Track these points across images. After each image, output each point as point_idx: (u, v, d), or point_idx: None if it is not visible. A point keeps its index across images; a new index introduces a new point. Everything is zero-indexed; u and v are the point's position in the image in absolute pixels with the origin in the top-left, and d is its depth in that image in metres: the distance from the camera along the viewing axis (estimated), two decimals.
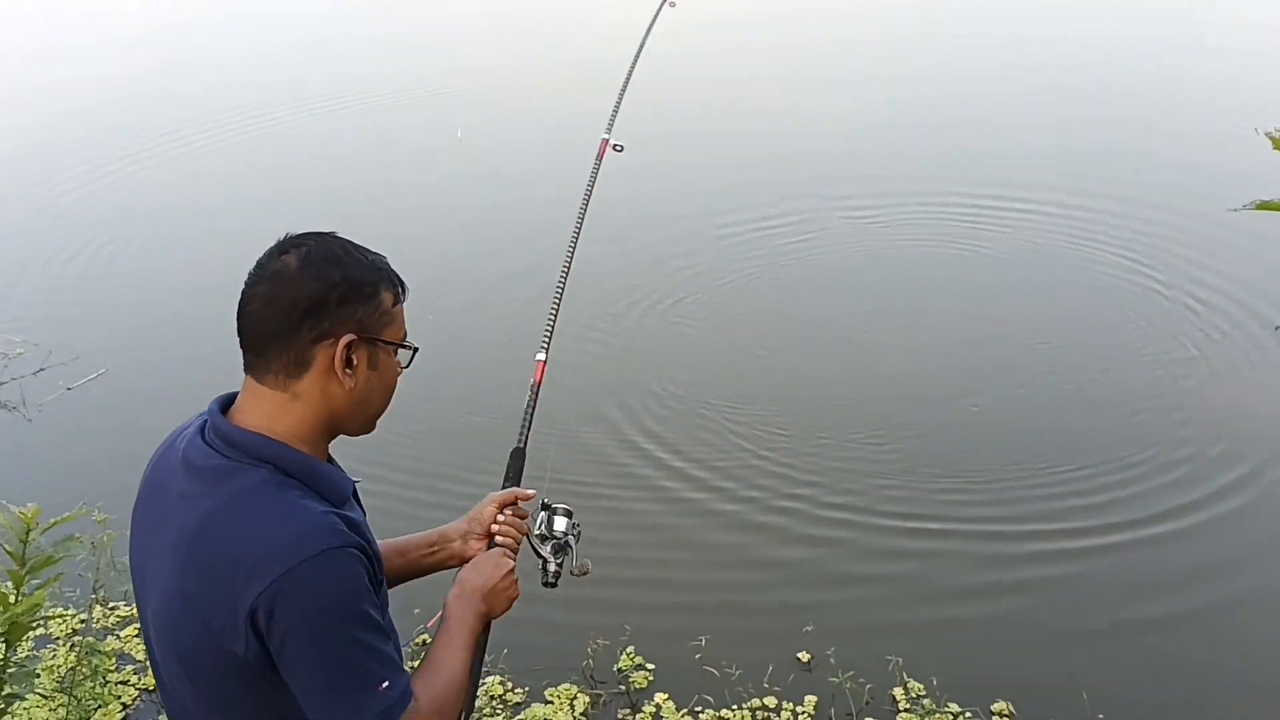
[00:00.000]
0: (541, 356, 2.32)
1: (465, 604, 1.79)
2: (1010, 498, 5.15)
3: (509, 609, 1.87)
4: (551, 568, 1.99)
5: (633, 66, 3.15)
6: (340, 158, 10.45)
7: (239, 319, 1.59)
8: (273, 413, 1.58)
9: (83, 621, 4.44)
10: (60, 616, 4.47)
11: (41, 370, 6.52)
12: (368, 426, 1.69)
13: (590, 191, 2.68)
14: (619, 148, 2.85)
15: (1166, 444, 5.46)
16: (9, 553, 3.23)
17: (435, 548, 1.94)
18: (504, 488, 2.08)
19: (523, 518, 1.99)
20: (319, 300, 1.56)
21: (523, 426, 2.20)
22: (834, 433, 5.75)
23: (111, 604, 4.55)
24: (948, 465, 5.41)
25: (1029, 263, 7.71)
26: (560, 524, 2.01)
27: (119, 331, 7.25)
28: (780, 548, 4.92)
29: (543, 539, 2.00)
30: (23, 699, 3.48)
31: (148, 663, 4.13)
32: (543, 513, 2.02)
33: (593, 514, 4.89)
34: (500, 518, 1.96)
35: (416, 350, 1.68)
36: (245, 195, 9.51)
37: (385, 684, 1.52)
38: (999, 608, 4.49)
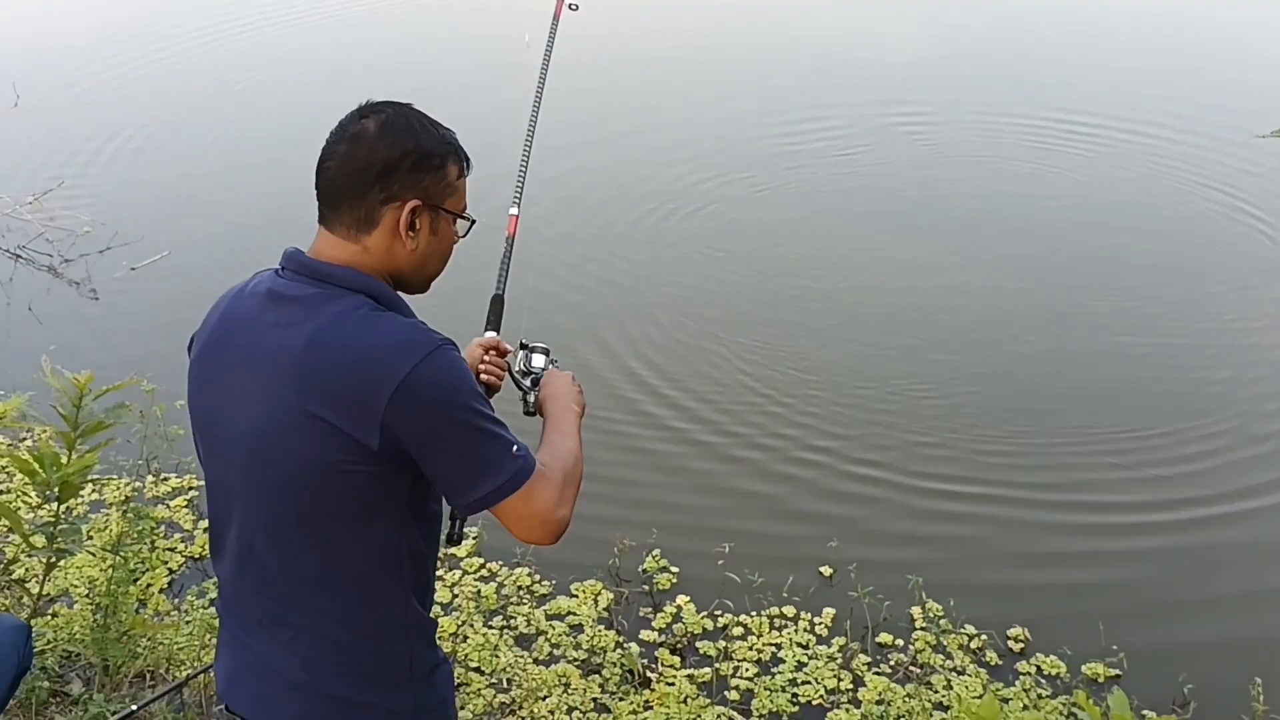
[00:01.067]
0: (514, 211, 2.51)
1: (562, 404, 2.00)
2: (1042, 441, 5.14)
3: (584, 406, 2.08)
4: (531, 399, 2.15)
5: None
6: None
7: (318, 174, 1.73)
8: (347, 260, 1.71)
9: (135, 490, 4.64)
10: (114, 484, 4.67)
11: (107, 249, 6.71)
12: (424, 286, 1.82)
13: (550, 49, 2.82)
14: (574, 6, 2.99)
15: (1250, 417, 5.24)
16: (63, 415, 3.38)
17: None
18: (486, 328, 2.32)
19: (504, 355, 2.22)
20: (391, 165, 1.69)
21: (499, 275, 2.40)
22: (871, 360, 5.76)
23: (163, 475, 4.73)
24: (987, 400, 5.42)
25: (1112, 193, 7.42)
26: (538, 360, 2.20)
27: (182, 216, 7.41)
28: (808, 464, 4.96)
29: (524, 374, 2.20)
30: (72, 555, 3.66)
31: (195, 531, 4.39)
32: (521, 351, 2.23)
33: (629, 425, 5.12)
34: (486, 359, 2.19)
35: (474, 222, 1.80)
36: (306, 80, 9.63)
37: (515, 448, 1.68)
38: (1021, 537, 4.52)
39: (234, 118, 9.18)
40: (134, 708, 3.04)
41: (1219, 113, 8.62)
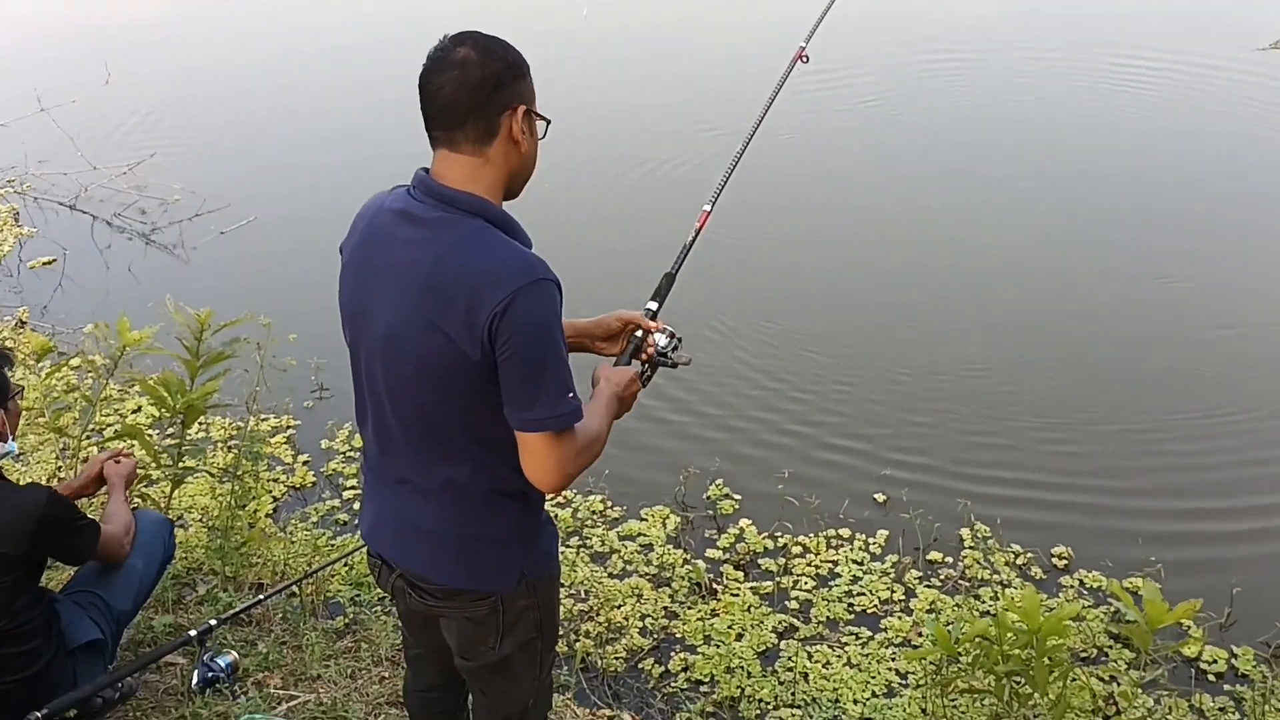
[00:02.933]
0: (708, 207, 2.74)
1: (610, 390, 2.23)
2: (1088, 371, 5.38)
3: (630, 408, 2.30)
4: (648, 374, 2.43)
5: None
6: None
7: (430, 104, 1.95)
8: (470, 176, 1.96)
9: (237, 429, 5.03)
10: (218, 422, 5.08)
11: (197, 216, 7.13)
12: (521, 189, 2.07)
13: (778, 90, 3.00)
14: (806, 59, 3.13)
15: None
16: (186, 347, 3.76)
17: (571, 338, 2.34)
18: (651, 298, 2.52)
19: (648, 332, 2.43)
20: (500, 78, 1.94)
21: (679, 257, 2.62)
22: (926, 307, 6.01)
23: (263, 415, 5.12)
24: (1038, 337, 5.66)
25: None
26: (660, 340, 2.45)
27: (266, 182, 7.83)
28: (862, 397, 5.26)
29: (661, 355, 2.45)
30: (195, 474, 4.05)
31: (294, 465, 4.76)
32: (659, 333, 2.47)
33: (696, 364, 5.41)
34: (640, 335, 2.41)
35: (550, 122, 2.05)
36: (376, 50, 10.01)
37: (571, 394, 1.96)
38: (1066, 460, 4.75)
39: (312, 87, 9.61)
40: (260, 598, 3.42)
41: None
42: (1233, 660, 3.67)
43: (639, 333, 2.41)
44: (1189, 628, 3.76)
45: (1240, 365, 5.34)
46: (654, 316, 2.48)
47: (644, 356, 2.41)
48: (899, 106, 8.67)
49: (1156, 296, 6.01)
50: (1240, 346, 5.50)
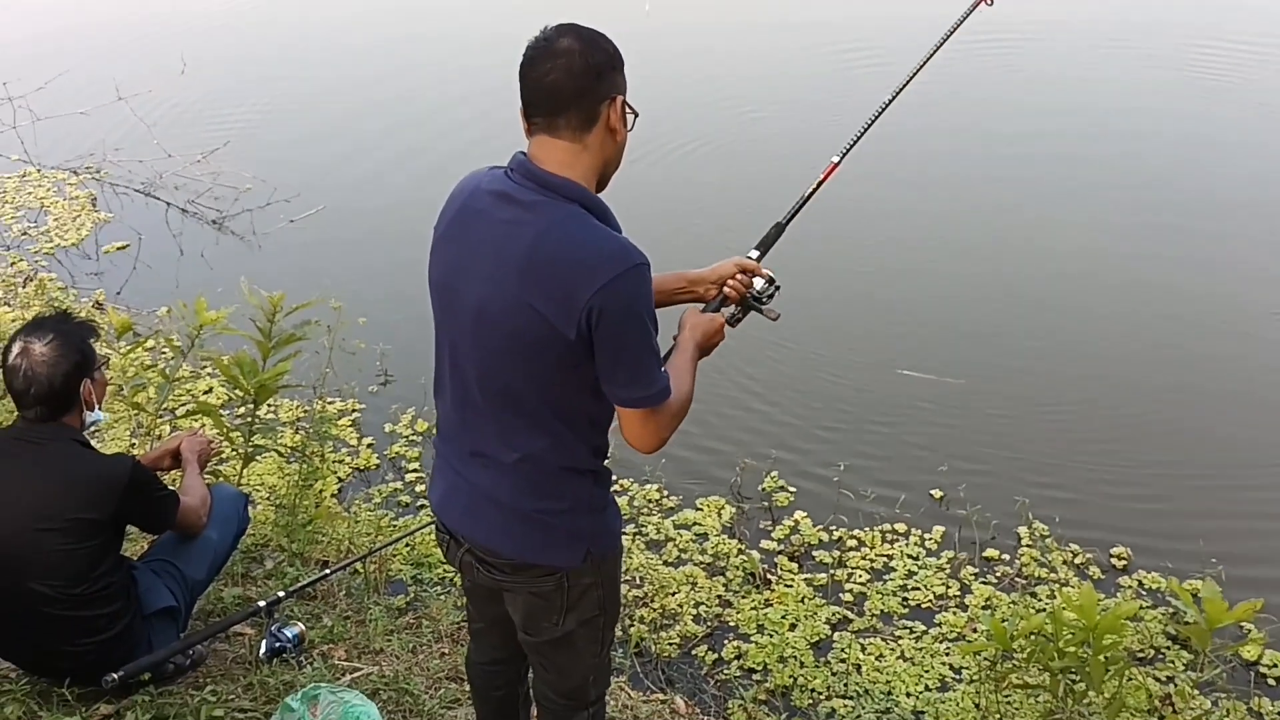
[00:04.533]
0: (836, 159, 2.65)
1: (690, 339, 2.30)
2: (1147, 370, 5.33)
3: (711, 352, 2.36)
4: (738, 315, 2.50)
5: None
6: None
7: (533, 90, 2.01)
8: (568, 161, 2.02)
9: (305, 412, 5.16)
10: (286, 405, 5.21)
11: (268, 204, 7.28)
12: (610, 179, 2.12)
13: (954, 29, 2.76)
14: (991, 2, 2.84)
15: None
16: (259, 328, 3.87)
17: (686, 287, 2.46)
18: (757, 246, 2.57)
19: (752, 275, 2.49)
20: (603, 67, 2.01)
21: (794, 208, 2.61)
22: (985, 300, 5.99)
23: (329, 399, 5.24)
24: (1099, 333, 5.62)
25: None
26: (759, 283, 2.50)
27: (336, 173, 7.97)
28: (922, 393, 5.25)
29: (755, 298, 2.50)
30: (266, 452, 4.17)
31: (359, 447, 4.87)
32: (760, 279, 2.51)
33: (755, 356, 5.44)
34: (737, 276, 2.48)
35: (638, 115, 2.10)
36: (442, 46, 10.17)
37: (663, 369, 2.06)
38: (1127, 463, 4.73)
39: (382, 78, 9.77)
40: (326, 572, 3.52)
41: None
42: None
43: (730, 282, 2.46)
44: (1249, 630, 3.73)
45: None
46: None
47: (735, 296, 2.47)
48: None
49: (1219, 296, 5.92)
50: None
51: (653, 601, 4.00)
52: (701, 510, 4.52)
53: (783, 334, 5.67)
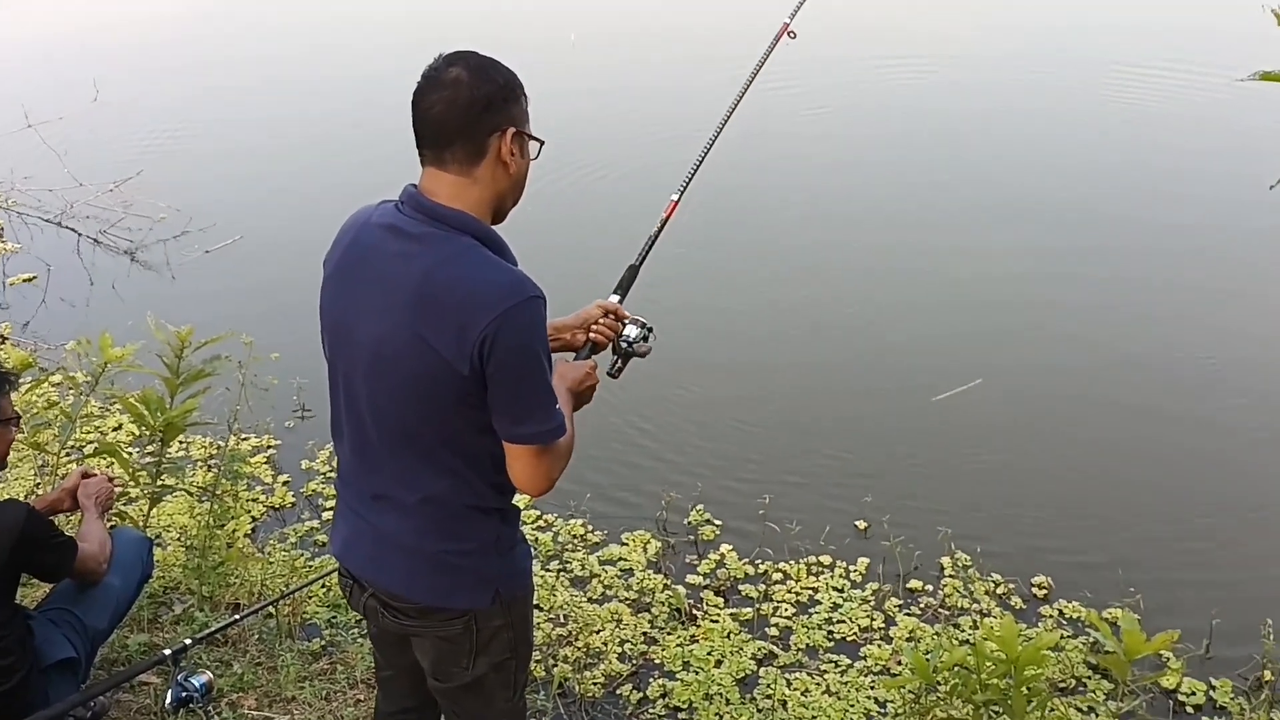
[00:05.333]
0: (675, 197, 2.73)
1: (561, 387, 2.22)
2: (1069, 400, 5.42)
3: (590, 400, 2.33)
4: (618, 365, 2.51)
5: None
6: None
7: (420, 122, 1.96)
8: (458, 194, 1.97)
9: (218, 448, 5.00)
10: (199, 441, 5.05)
11: (183, 234, 7.12)
12: (510, 209, 2.07)
13: (760, 66, 2.95)
14: (793, 35, 3.09)
15: None
16: (166, 364, 3.75)
17: (553, 335, 2.38)
18: (615, 291, 2.56)
19: (620, 320, 2.49)
20: (492, 99, 1.95)
21: (643, 248, 2.64)
22: (902, 326, 6.04)
23: (244, 435, 5.10)
24: (1021, 362, 5.69)
25: None
26: (631, 330, 2.50)
27: (253, 202, 7.84)
28: (846, 423, 5.29)
29: (630, 346, 2.51)
30: (174, 492, 4.03)
31: (274, 485, 4.74)
32: (630, 324, 2.52)
33: (673, 386, 5.43)
34: (602, 320, 2.46)
35: (543, 143, 2.05)
36: (357, 77, 10.09)
37: (558, 406, 2.00)
38: (1048, 494, 4.77)
39: (300, 108, 9.65)
40: (237, 617, 3.40)
41: None
42: (1211, 692, 3.68)
43: (595, 327, 2.45)
44: (1168, 659, 3.76)
45: (1221, 396, 5.37)
46: None
47: (603, 340, 2.46)
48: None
49: (1137, 328, 6.05)
50: (1220, 379, 5.52)
51: (576, 640, 3.93)
52: (627, 545, 4.46)
53: (708, 365, 5.69)
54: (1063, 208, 7.43)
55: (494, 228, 2.02)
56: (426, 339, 1.91)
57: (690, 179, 2.76)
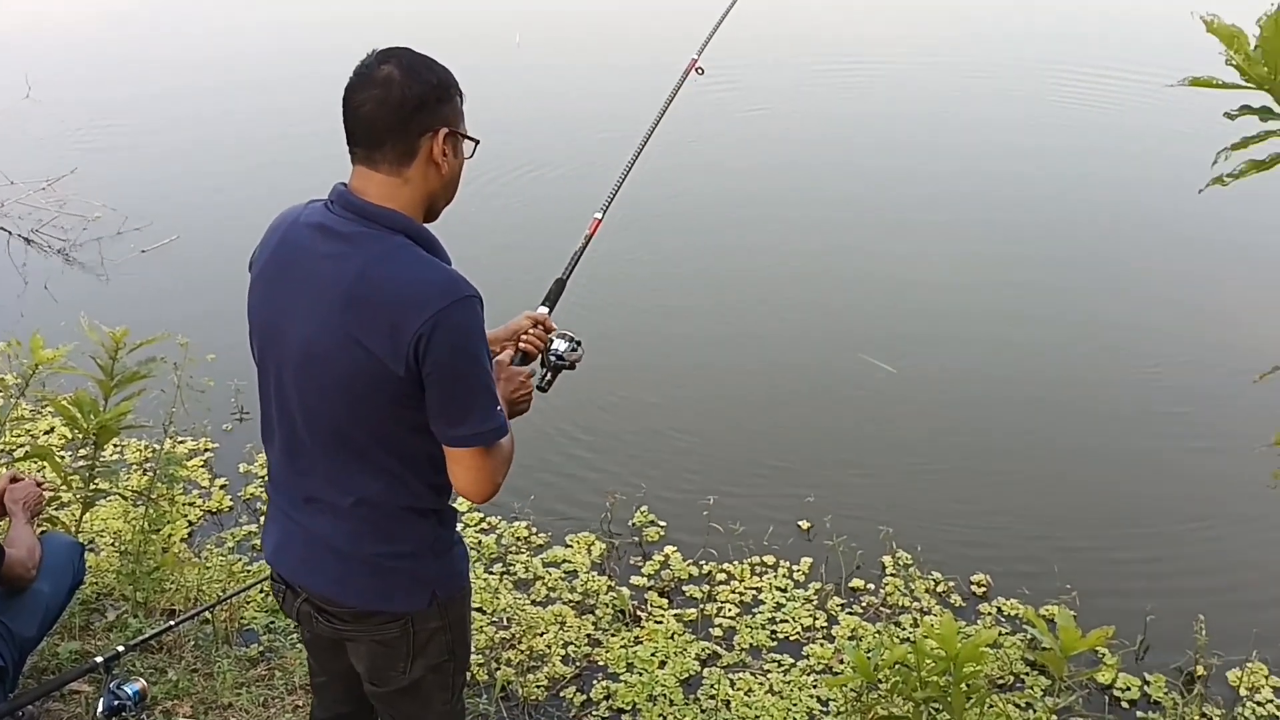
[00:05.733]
0: (599, 215, 2.80)
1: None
2: (1005, 401, 5.49)
3: (528, 408, 2.31)
4: (548, 378, 2.51)
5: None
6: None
7: (350, 120, 1.93)
8: (389, 194, 1.93)
9: (154, 452, 4.90)
10: (134, 445, 4.95)
11: (119, 234, 6.98)
12: (442, 209, 2.04)
13: (671, 99, 3.14)
14: (701, 71, 3.28)
15: None
16: (100, 366, 3.67)
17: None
18: (544, 303, 2.56)
19: (548, 332, 2.46)
20: (424, 100, 1.91)
21: (569, 264, 2.67)
22: (851, 329, 6.09)
23: (180, 438, 5.00)
24: (960, 368, 5.75)
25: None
26: (559, 344, 2.51)
27: (190, 201, 7.70)
28: (789, 424, 5.32)
29: (560, 359, 2.52)
30: (108, 496, 3.94)
31: (211, 489, 4.66)
32: (558, 338, 2.53)
33: (618, 387, 5.42)
34: (531, 330, 2.44)
35: (478, 142, 2.03)
36: (295, 73, 10.01)
37: (499, 408, 1.97)
38: (987, 492, 4.85)
39: (238, 105, 9.51)
40: (172, 623, 3.33)
41: None
42: (1145, 687, 3.75)
43: (524, 337, 2.44)
44: (1103, 655, 3.82)
45: (1158, 397, 5.48)
46: None
47: (532, 350, 2.45)
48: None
49: (1077, 334, 6.14)
50: (1157, 381, 5.62)
51: (520, 643, 3.90)
52: (571, 547, 4.44)
53: (650, 369, 5.68)
54: (1001, 212, 7.54)
55: (427, 225, 2.00)
56: (359, 339, 1.88)
57: (612, 199, 2.84)
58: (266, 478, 2.20)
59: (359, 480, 2.01)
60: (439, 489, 2.09)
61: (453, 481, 2.00)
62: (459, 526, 4.42)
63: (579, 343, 2.53)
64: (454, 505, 2.18)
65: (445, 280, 1.90)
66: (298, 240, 1.98)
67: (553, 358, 2.49)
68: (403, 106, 1.90)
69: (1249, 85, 1.85)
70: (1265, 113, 1.87)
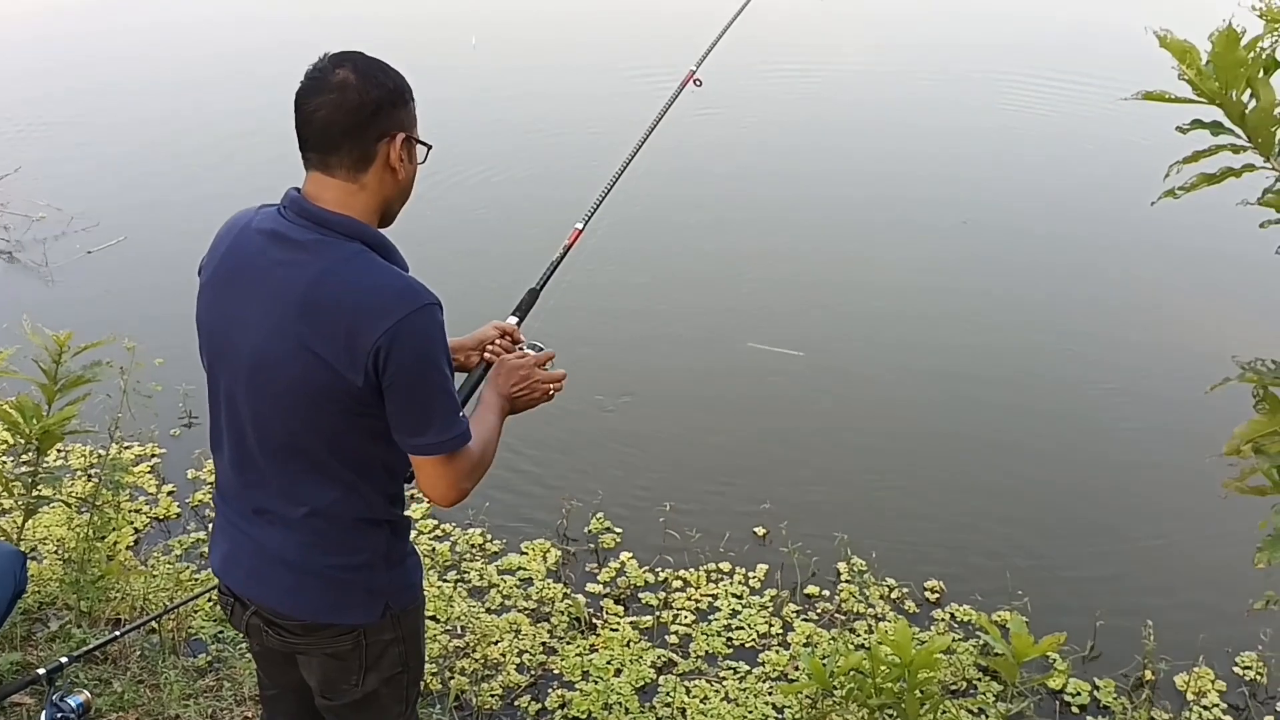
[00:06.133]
0: (580, 225, 2.74)
1: (495, 390, 2.20)
2: (959, 405, 5.54)
3: (539, 399, 2.27)
4: None
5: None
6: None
7: (305, 125, 1.89)
8: (345, 200, 1.90)
9: (99, 457, 4.80)
10: (79, 450, 4.85)
11: (64, 234, 6.84)
12: (397, 214, 2.01)
13: (666, 109, 3.13)
14: (699, 83, 3.26)
15: None
16: (43, 370, 3.59)
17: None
18: (514, 313, 2.50)
19: (516, 343, 2.40)
20: (380, 104, 1.88)
21: (545, 273, 2.61)
22: (803, 328, 6.11)
23: (126, 444, 4.90)
24: (916, 373, 5.79)
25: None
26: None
27: (137, 201, 7.56)
28: (746, 430, 5.32)
29: None
30: (51, 502, 3.85)
31: (158, 495, 4.57)
32: (528, 348, 2.44)
33: (574, 394, 5.37)
34: (498, 341, 2.38)
35: (430, 147, 2.00)
36: (247, 72, 9.89)
37: (461, 414, 1.94)
38: (941, 499, 4.87)
39: (186, 105, 9.37)
40: (117, 633, 3.26)
41: None
42: (1095, 692, 3.78)
43: (490, 348, 2.38)
44: (1054, 661, 3.86)
45: (1111, 405, 5.54)
46: None
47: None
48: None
49: (1030, 341, 6.19)
50: (1112, 388, 5.67)
51: (474, 651, 3.87)
52: (526, 554, 4.41)
53: (606, 374, 5.66)
54: (958, 220, 7.59)
55: (382, 231, 1.97)
56: (313, 348, 1.85)
57: (595, 209, 2.77)
58: (215, 488, 2.14)
59: (311, 491, 1.97)
60: (393, 499, 2.06)
61: (420, 486, 1.99)
62: (412, 535, 4.43)
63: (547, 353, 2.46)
64: (408, 515, 2.16)
65: (404, 288, 1.87)
66: (249, 246, 1.94)
67: None
68: (359, 111, 1.87)
69: (1201, 100, 1.87)
70: (1216, 127, 1.89)
